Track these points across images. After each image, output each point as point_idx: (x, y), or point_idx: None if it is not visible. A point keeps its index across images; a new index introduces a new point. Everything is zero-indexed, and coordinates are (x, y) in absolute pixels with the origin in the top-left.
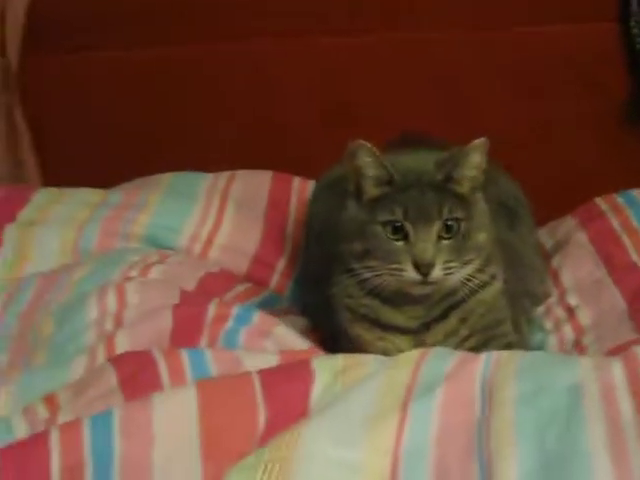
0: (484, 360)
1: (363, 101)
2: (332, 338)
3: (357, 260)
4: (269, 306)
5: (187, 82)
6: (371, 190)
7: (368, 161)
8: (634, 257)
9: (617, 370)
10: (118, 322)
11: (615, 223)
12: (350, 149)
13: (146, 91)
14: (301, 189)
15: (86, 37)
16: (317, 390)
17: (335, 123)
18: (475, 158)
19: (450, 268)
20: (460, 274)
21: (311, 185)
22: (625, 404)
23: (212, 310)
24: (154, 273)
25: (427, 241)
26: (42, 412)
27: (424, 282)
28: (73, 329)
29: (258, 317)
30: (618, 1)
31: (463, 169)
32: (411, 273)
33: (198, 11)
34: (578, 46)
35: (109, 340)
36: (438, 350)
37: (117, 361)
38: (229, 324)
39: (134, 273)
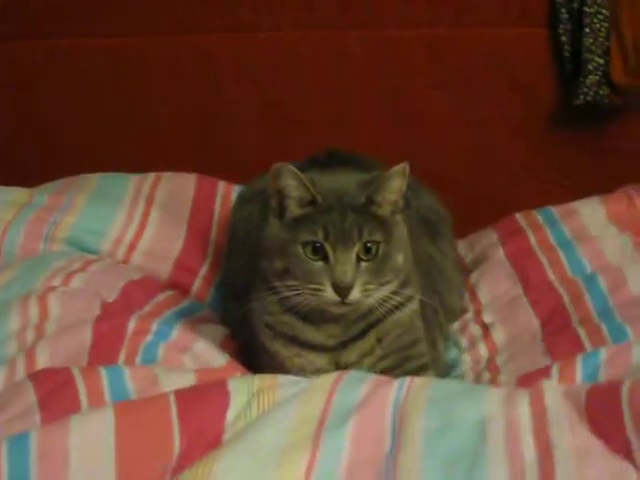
0: (396, 388)
1: (304, 100)
2: (249, 349)
3: (278, 278)
4: (190, 314)
5: (130, 75)
6: (294, 210)
7: (291, 183)
8: (550, 276)
9: (523, 407)
10: (39, 334)
11: (533, 240)
12: (274, 170)
13: (90, 82)
14: (226, 193)
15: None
16: (232, 413)
17: (272, 124)
18: (396, 183)
19: (368, 290)
20: (377, 295)
21: (236, 189)
22: (528, 445)
23: (132, 324)
24: (76, 281)
25: (346, 263)
26: None
27: (342, 303)
28: None
29: (178, 332)
30: (548, 8)
31: (384, 193)
32: (330, 294)
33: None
34: (508, 50)
35: (29, 353)
36: (352, 375)
37: (36, 378)
38: (149, 339)
39: (57, 281)
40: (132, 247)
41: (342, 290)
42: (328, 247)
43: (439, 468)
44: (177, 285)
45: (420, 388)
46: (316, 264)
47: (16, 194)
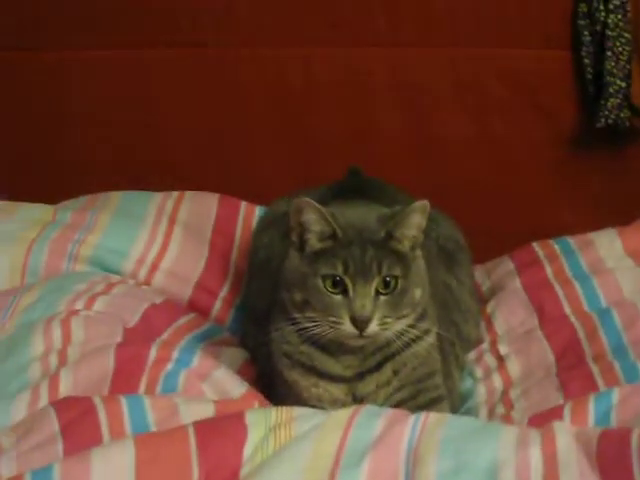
0: (411, 426)
1: (325, 119)
2: (268, 376)
3: (297, 309)
4: (210, 338)
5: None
6: (314, 243)
7: (313, 217)
8: (566, 309)
9: (535, 450)
10: (62, 359)
11: (549, 272)
12: (295, 205)
13: (111, 97)
14: (247, 214)
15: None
16: (249, 448)
17: (293, 142)
18: (415, 219)
19: (386, 323)
20: (395, 328)
21: (258, 210)
22: None
23: (154, 352)
24: (99, 305)
25: (365, 297)
26: None
27: (360, 335)
28: (18, 363)
29: (198, 358)
30: (570, 31)
31: (403, 228)
32: (348, 327)
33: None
34: (529, 71)
35: (53, 379)
36: (367, 410)
37: (59, 406)
38: (169, 367)
39: (80, 305)
40: (154, 267)
41: (360, 323)
42: (348, 281)
43: None
44: (198, 307)
45: (434, 426)
46: (335, 297)
47: (40, 211)
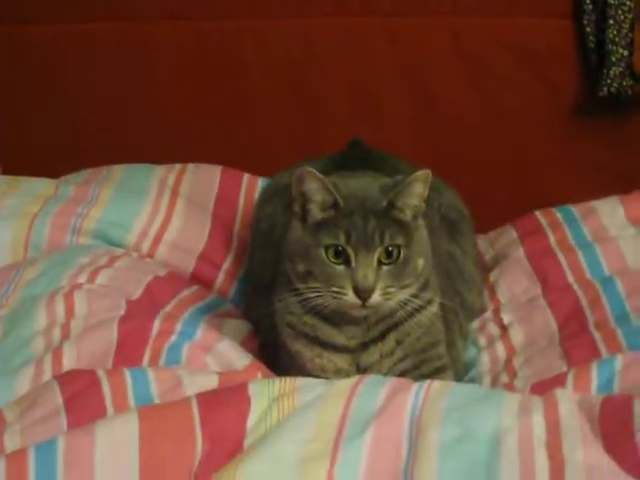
0: (414, 393)
1: (327, 89)
2: (271, 347)
3: (300, 280)
4: (213, 310)
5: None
6: (316, 214)
7: (314, 187)
8: (569, 278)
9: (538, 417)
10: (65, 333)
11: (552, 240)
12: (297, 174)
13: (113, 69)
14: (250, 186)
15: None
16: (253, 418)
17: (293, 111)
18: (417, 188)
19: (388, 293)
20: (398, 297)
21: (260, 182)
22: (541, 461)
23: (157, 324)
24: (102, 278)
25: (368, 267)
26: None
27: (363, 306)
28: (21, 337)
29: (201, 331)
30: None
31: (405, 197)
32: (351, 297)
33: None
34: (532, 40)
35: (56, 352)
36: (370, 380)
37: (63, 379)
38: (173, 339)
39: (83, 278)
40: (157, 240)
41: (363, 293)
42: (350, 251)
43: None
44: (201, 279)
45: (437, 395)
46: (338, 267)
47: (42, 186)
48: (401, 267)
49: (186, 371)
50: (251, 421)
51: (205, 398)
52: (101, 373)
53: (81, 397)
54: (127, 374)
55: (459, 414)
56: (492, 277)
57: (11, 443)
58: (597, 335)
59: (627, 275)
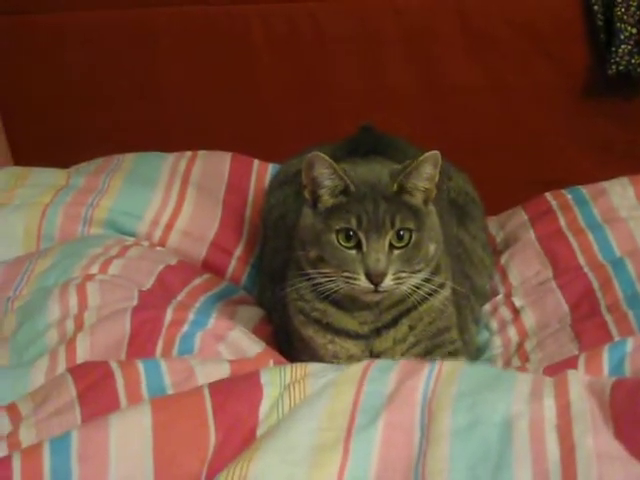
0: (425, 377)
1: (336, 72)
2: (283, 334)
3: (312, 266)
4: (226, 297)
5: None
6: (327, 199)
7: (325, 172)
8: (580, 260)
9: (549, 401)
10: (79, 324)
11: (563, 222)
12: (308, 160)
13: (122, 56)
14: (260, 172)
15: None
16: (265, 406)
17: (302, 96)
18: (427, 169)
19: (400, 278)
20: (409, 282)
21: (271, 168)
22: (552, 446)
23: (170, 314)
24: (114, 268)
25: (379, 251)
26: (5, 424)
27: (376, 290)
28: (34, 329)
29: (214, 320)
30: None
31: (414, 179)
32: (363, 282)
33: None
34: (540, 18)
35: (70, 344)
36: (380, 364)
37: (76, 372)
38: (185, 329)
39: (95, 269)
40: (169, 228)
41: (375, 278)
42: (361, 235)
43: (465, 469)
44: (213, 267)
45: (448, 379)
46: (349, 252)
47: (53, 176)
48: (412, 251)
49: (198, 361)
50: (264, 409)
51: (217, 387)
52: (114, 365)
53: (95, 390)
54: (140, 366)
55: (470, 400)
56: (503, 260)
57: (26, 437)
58: (609, 318)
59: (638, 256)
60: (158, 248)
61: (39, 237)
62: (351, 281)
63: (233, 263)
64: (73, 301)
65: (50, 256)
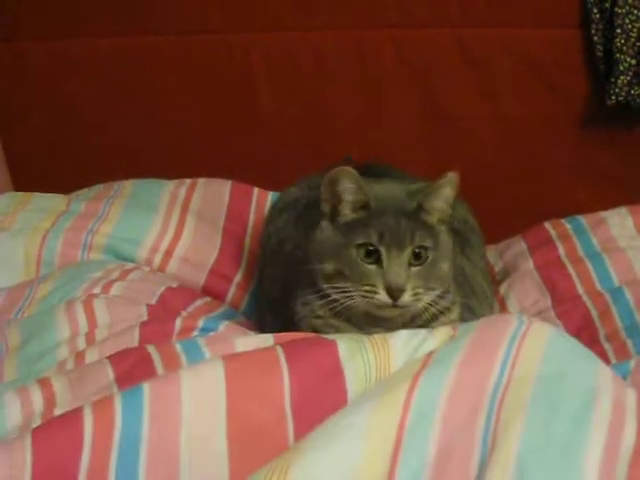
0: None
1: (336, 101)
2: None
3: (327, 281)
4: (227, 320)
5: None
6: (347, 214)
7: (350, 187)
8: (579, 289)
9: (630, 389)
10: (90, 342)
11: (562, 251)
12: (333, 175)
13: (123, 84)
14: (260, 200)
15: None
16: (344, 351)
17: (302, 124)
18: (446, 191)
19: (417, 294)
20: (425, 299)
21: (270, 196)
22: (630, 429)
23: (178, 324)
24: (116, 290)
25: (400, 266)
26: (38, 401)
27: (394, 305)
28: (43, 346)
29: (224, 327)
30: (580, 8)
31: (434, 200)
32: (383, 296)
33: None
34: (540, 50)
35: (78, 356)
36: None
37: (114, 358)
38: (196, 334)
39: (97, 290)
40: (168, 255)
41: (394, 292)
42: (383, 250)
43: (544, 410)
44: (212, 293)
45: (536, 337)
46: (369, 267)
47: (53, 201)
48: (429, 269)
49: (237, 335)
50: (343, 354)
51: (287, 342)
52: (151, 348)
53: (133, 372)
54: (177, 346)
55: (559, 360)
56: (502, 289)
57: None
58: (608, 346)
59: (637, 286)
60: (158, 273)
61: (39, 262)
62: (370, 295)
63: (232, 290)
64: (82, 319)
65: (51, 280)
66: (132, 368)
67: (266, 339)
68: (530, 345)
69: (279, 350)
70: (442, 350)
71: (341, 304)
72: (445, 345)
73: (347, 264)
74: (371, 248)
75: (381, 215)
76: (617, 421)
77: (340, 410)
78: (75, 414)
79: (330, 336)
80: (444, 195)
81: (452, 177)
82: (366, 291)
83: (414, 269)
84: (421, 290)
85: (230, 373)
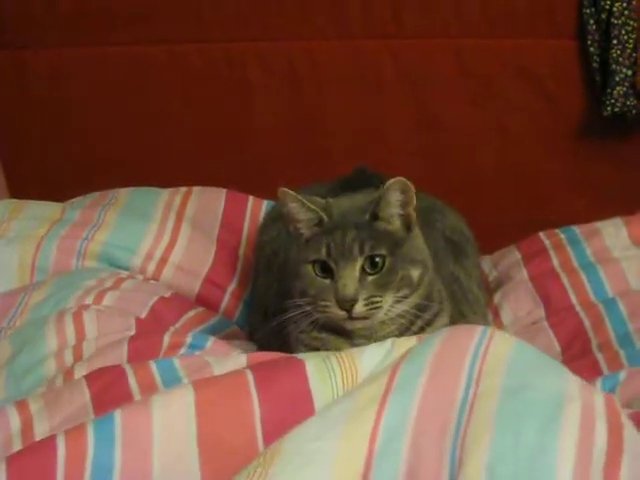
0: (474, 346)
1: (332, 111)
2: None
3: (300, 297)
4: (219, 332)
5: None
6: (305, 232)
7: (294, 206)
8: (572, 300)
9: (598, 396)
10: (77, 356)
11: (556, 262)
12: (279, 196)
13: (118, 93)
14: (254, 209)
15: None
16: (313, 375)
17: (298, 134)
18: (394, 196)
19: (374, 303)
20: (397, 309)
21: (265, 205)
22: (600, 430)
23: (167, 340)
24: (108, 300)
25: (347, 278)
26: (15, 421)
27: (350, 317)
28: (31, 359)
29: (212, 343)
30: (576, 20)
31: (385, 208)
32: (335, 309)
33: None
34: (536, 61)
35: (67, 374)
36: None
37: (89, 377)
38: (183, 351)
39: (89, 300)
40: (162, 263)
41: (344, 304)
42: (332, 264)
43: (512, 420)
44: (206, 302)
45: (500, 348)
46: (323, 281)
47: (48, 209)
48: (387, 276)
49: (213, 357)
50: (312, 378)
51: (257, 365)
52: (127, 367)
53: (108, 391)
54: (152, 365)
55: (524, 370)
56: (496, 299)
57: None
58: (600, 357)
59: (630, 296)
60: (152, 281)
61: (33, 270)
62: (325, 309)
63: (226, 298)
64: (70, 331)
65: (44, 288)
66: (107, 387)
67: (240, 360)
68: (493, 357)
69: (249, 376)
70: (407, 369)
71: (312, 318)
72: (411, 362)
73: (306, 281)
74: (323, 263)
75: (333, 230)
76: (587, 424)
77: (309, 423)
78: (49, 442)
79: (300, 355)
80: (393, 200)
81: (396, 181)
82: (322, 306)
83: (370, 278)
84: (379, 299)
85: (200, 400)
